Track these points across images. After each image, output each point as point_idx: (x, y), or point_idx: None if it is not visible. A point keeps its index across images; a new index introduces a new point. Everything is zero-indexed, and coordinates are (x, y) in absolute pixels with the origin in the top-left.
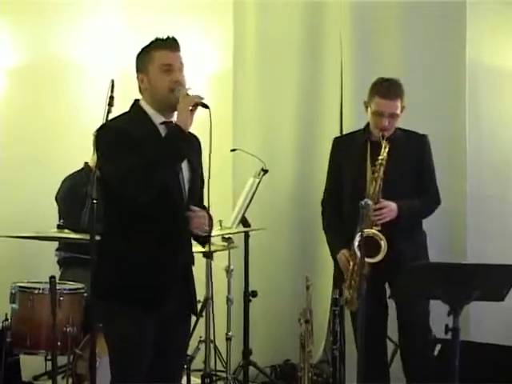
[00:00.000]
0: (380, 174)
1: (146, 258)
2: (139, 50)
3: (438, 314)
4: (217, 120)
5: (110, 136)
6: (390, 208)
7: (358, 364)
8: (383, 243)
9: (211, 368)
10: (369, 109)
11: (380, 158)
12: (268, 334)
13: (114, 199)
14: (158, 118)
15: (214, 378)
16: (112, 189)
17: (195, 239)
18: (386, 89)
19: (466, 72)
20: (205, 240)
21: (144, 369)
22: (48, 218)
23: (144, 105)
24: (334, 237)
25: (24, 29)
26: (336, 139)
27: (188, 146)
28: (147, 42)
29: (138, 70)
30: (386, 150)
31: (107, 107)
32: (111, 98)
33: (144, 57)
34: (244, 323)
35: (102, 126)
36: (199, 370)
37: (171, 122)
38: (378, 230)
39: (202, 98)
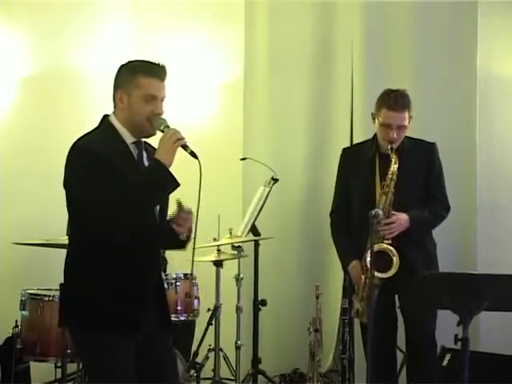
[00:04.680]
0: (390, 188)
1: (118, 282)
2: (127, 61)
3: (448, 323)
4: (227, 129)
5: (85, 160)
6: (400, 222)
7: (368, 374)
8: (395, 259)
9: (220, 376)
10: (376, 120)
11: (390, 172)
12: (277, 342)
13: (83, 225)
14: (128, 138)
15: None
16: (83, 219)
17: (173, 242)
18: (394, 100)
19: (477, 82)
20: (183, 243)
21: None
22: (56, 226)
23: (115, 122)
24: (344, 248)
25: (36, 39)
26: (344, 150)
27: (171, 185)
28: (157, 53)
29: (118, 85)
30: (396, 165)
31: None
32: None
33: (129, 77)
34: (253, 332)
35: (75, 146)
36: (208, 379)
37: (140, 141)
38: (389, 243)
39: (186, 141)
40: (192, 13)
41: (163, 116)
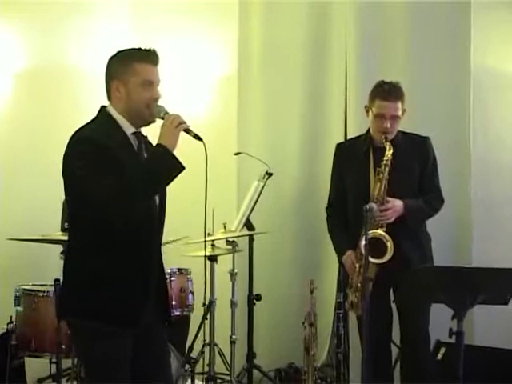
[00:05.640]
0: (385, 174)
1: (121, 275)
2: (116, 53)
3: (442, 317)
4: (222, 123)
5: (89, 148)
6: (395, 208)
7: (363, 367)
8: (389, 244)
9: (215, 371)
10: (370, 112)
11: (385, 158)
12: (272, 337)
13: (85, 216)
14: (128, 128)
15: (218, 381)
16: (86, 207)
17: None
18: (387, 91)
19: (471, 77)
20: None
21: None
22: (51, 222)
23: (113, 112)
24: (340, 240)
25: (32, 34)
26: (338, 145)
27: (176, 168)
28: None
29: (113, 77)
30: (391, 151)
31: None
32: None
33: (124, 66)
34: (248, 326)
35: (75, 136)
36: (203, 373)
37: (140, 132)
38: (385, 231)
39: (189, 125)
40: (186, 8)
41: (160, 101)
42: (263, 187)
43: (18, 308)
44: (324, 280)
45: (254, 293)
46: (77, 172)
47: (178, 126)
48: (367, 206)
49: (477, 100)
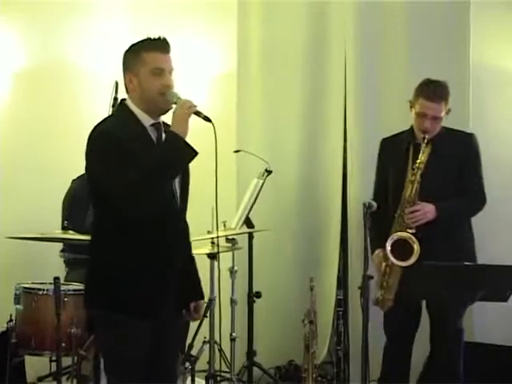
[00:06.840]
0: (417, 177)
1: (142, 266)
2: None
3: None
4: (221, 121)
5: (105, 142)
6: (425, 210)
7: (363, 366)
8: (416, 246)
9: (215, 369)
10: (413, 109)
11: (417, 162)
12: (272, 334)
13: (106, 207)
14: (146, 120)
15: (219, 378)
16: (106, 198)
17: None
18: (432, 91)
19: (470, 74)
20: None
21: (141, 372)
22: (51, 219)
23: (131, 105)
24: (374, 237)
25: (31, 33)
26: (383, 141)
27: (188, 154)
28: None
29: (126, 69)
30: (425, 154)
31: (111, 108)
32: (115, 99)
33: (134, 57)
34: (248, 324)
35: (94, 131)
36: (203, 371)
37: (159, 123)
38: (414, 233)
39: (196, 107)
40: (185, 6)
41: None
42: (263, 185)
43: (18, 306)
44: (324, 277)
45: (254, 290)
46: (93, 167)
47: (188, 109)
48: (366, 203)
49: (475, 97)
